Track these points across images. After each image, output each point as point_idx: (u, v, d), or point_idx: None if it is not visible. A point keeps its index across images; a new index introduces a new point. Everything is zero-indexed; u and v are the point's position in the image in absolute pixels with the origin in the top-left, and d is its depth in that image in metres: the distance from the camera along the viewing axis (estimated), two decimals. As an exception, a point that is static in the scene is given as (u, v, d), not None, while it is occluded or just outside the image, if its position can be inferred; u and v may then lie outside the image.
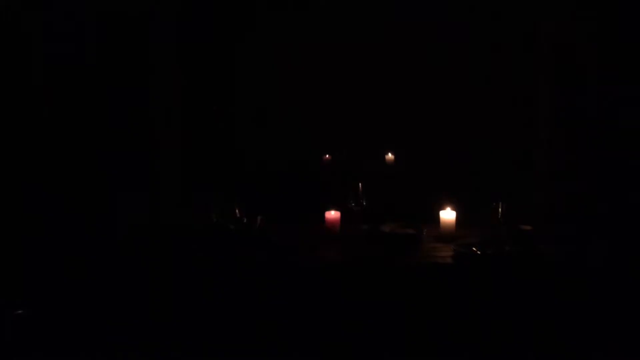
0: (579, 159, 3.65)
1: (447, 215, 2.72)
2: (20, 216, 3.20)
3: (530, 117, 3.83)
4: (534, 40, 3.73)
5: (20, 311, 2.30)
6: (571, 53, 3.59)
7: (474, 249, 2.48)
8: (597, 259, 2.48)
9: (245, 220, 2.58)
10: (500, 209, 2.63)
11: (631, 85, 3.50)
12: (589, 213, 3.36)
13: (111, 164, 3.72)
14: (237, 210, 2.57)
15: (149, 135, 3.80)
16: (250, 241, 2.58)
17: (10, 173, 3.35)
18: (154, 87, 3.78)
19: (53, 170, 3.55)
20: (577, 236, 2.76)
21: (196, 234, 2.72)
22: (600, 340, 2.40)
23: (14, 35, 3.37)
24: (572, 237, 2.74)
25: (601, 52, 3.50)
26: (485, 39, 3.93)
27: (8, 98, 3.38)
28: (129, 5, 3.64)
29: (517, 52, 3.86)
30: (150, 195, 3.72)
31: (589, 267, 2.44)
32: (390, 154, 3.99)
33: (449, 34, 3.96)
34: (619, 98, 3.53)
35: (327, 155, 4.10)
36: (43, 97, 3.50)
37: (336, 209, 2.72)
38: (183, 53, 3.86)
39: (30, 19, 3.42)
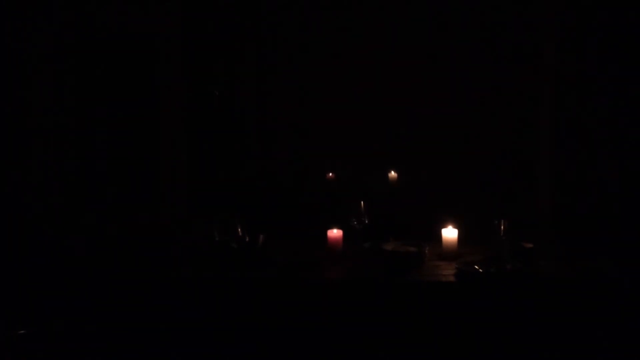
0: (582, 175, 3.66)
1: (449, 233, 2.72)
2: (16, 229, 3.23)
3: (532, 133, 3.85)
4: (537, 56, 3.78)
5: (22, 331, 2.31)
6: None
7: (476, 266, 2.48)
8: (601, 275, 2.48)
9: (247, 239, 2.59)
10: (502, 227, 2.64)
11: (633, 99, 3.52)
12: (593, 229, 3.36)
13: (114, 181, 3.76)
14: (239, 229, 2.57)
15: (154, 155, 3.84)
16: (253, 259, 2.58)
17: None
18: (160, 103, 3.83)
19: (58, 183, 3.59)
20: (580, 253, 2.75)
21: (199, 252, 2.72)
22: (603, 357, 2.39)
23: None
24: (575, 254, 2.73)
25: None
26: (487, 54, 3.96)
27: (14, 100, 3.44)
28: (136, 21, 3.71)
29: (519, 67, 3.89)
30: (154, 213, 3.75)
31: (593, 284, 2.43)
32: (393, 172, 3.99)
33: (450, 50, 3.99)
34: (621, 111, 3.55)
35: (331, 174, 4.11)
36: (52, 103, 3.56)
37: (338, 227, 2.73)
38: (188, 70, 3.91)
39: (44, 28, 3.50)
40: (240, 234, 2.57)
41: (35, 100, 3.60)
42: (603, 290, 2.42)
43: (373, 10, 4.04)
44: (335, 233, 2.71)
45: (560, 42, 3.67)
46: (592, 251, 2.76)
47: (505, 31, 3.91)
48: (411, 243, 2.68)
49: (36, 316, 2.40)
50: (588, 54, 3.63)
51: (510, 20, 3.90)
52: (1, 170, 3.48)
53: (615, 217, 3.50)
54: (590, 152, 3.67)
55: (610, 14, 3.56)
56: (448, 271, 2.51)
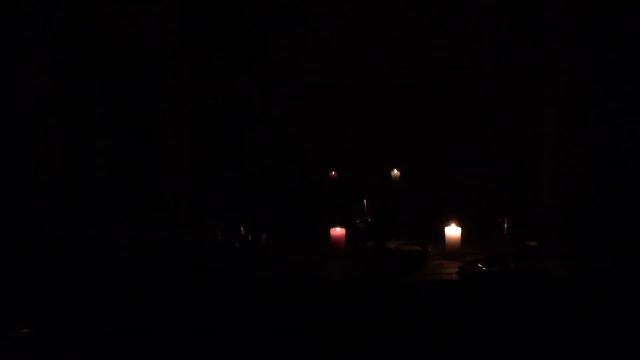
0: (584, 174, 3.64)
1: (453, 231, 2.71)
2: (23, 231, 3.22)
3: (536, 130, 3.82)
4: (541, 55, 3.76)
5: (26, 330, 2.30)
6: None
7: (480, 265, 2.47)
8: (604, 275, 2.46)
9: (250, 238, 2.58)
10: (505, 225, 2.62)
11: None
12: (595, 228, 3.34)
13: (119, 183, 3.75)
14: (242, 228, 2.56)
15: (156, 155, 3.83)
16: (255, 259, 2.57)
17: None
18: (163, 106, 3.82)
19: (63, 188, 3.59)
20: (583, 252, 2.73)
21: (202, 251, 2.71)
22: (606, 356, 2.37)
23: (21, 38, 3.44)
24: (577, 253, 2.71)
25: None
26: (489, 52, 3.95)
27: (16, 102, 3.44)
28: (137, 21, 3.71)
29: (523, 65, 3.87)
30: (158, 214, 3.74)
31: (595, 283, 2.42)
32: (395, 170, 3.96)
33: (451, 49, 3.97)
34: (622, 115, 3.54)
35: (333, 172, 4.09)
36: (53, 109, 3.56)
37: (341, 226, 2.71)
38: (192, 72, 3.90)
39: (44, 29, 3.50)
40: (243, 233, 2.56)
41: (37, 100, 3.59)
42: (605, 290, 2.40)
43: (373, 10, 4.03)
44: (338, 231, 2.70)
45: (564, 39, 3.65)
46: (594, 250, 2.74)
47: (508, 28, 3.89)
48: (414, 242, 2.67)
49: (36, 316, 2.39)
50: (592, 51, 3.61)
51: (512, 18, 3.89)
52: (2, 171, 3.47)
53: (618, 216, 3.48)
54: (593, 150, 3.64)
55: (615, 11, 3.54)
56: (451, 270, 2.50)
